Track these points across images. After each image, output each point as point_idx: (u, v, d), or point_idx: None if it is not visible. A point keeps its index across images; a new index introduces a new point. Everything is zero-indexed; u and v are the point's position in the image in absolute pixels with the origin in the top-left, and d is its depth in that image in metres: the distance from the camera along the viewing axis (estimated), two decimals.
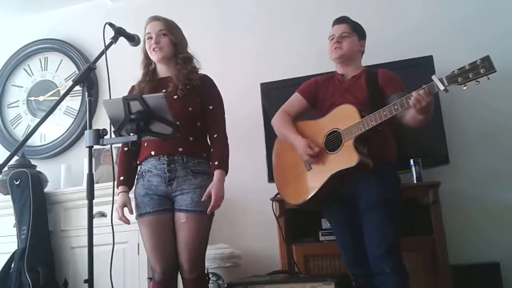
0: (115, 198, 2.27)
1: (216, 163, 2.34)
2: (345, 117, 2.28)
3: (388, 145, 2.38)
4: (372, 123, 2.18)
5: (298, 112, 2.56)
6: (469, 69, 1.99)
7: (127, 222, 2.34)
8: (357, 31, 2.50)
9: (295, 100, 2.57)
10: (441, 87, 2.02)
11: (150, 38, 2.43)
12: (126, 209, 2.35)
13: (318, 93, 2.52)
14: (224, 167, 2.35)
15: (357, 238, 2.29)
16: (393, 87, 2.35)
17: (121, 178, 2.40)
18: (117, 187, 2.37)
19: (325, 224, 3.00)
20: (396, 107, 2.14)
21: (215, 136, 2.41)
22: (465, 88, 2.01)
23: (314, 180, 2.33)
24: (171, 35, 2.44)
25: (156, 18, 2.48)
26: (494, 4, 3.42)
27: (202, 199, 2.27)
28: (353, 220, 2.31)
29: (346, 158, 2.23)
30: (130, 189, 2.41)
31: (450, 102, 3.23)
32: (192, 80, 2.40)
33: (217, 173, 2.32)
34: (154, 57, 2.45)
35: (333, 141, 2.32)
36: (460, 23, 3.42)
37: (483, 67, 1.96)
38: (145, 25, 2.48)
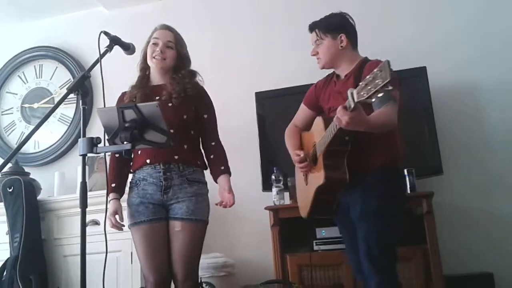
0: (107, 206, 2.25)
1: (222, 168, 2.39)
2: (318, 129, 2.21)
3: (375, 150, 2.12)
4: (330, 136, 2.02)
5: (305, 122, 2.46)
6: (371, 80, 1.64)
7: (120, 228, 2.32)
8: (329, 30, 2.31)
9: (300, 111, 2.52)
10: (352, 104, 1.77)
11: (156, 44, 2.40)
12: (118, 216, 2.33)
13: (319, 99, 2.43)
14: (229, 172, 2.41)
15: (357, 247, 2.17)
16: None
17: (113, 185, 2.37)
18: (108, 194, 2.35)
19: (320, 233, 3.00)
20: (334, 124, 1.95)
21: (213, 144, 2.43)
22: (373, 101, 1.67)
23: (309, 194, 2.27)
24: (179, 49, 2.44)
25: (168, 28, 2.47)
26: (485, 16, 3.46)
27: (217, 204, 2.33)
28: (353, 228, 2.19)
29: (318, 174, 2.14)
30: (121, 196, 2.39)
31: (443, 112, 3.26)
32: (187, 89, 2.39)
33: (224, 177, 2.38)
34: (152, 64, 2.42)
35: (316, 154, 2.23)
36: (453, 35, 3.46)
37: (380, 77, 1.58)
38: (154, 30, 2.47)
